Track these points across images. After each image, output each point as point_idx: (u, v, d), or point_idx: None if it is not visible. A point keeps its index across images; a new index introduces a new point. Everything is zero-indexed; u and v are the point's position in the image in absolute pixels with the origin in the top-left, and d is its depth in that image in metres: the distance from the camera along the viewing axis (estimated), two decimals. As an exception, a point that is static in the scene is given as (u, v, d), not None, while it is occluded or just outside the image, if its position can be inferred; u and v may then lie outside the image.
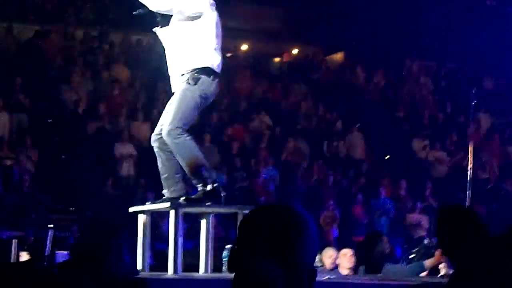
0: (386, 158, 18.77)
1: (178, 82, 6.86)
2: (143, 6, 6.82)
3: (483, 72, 21.44)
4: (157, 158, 7.00)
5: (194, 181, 6.88)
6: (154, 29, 7.02)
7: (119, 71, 17.80)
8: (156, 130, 6.99)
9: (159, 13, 6.90)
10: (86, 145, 15.82)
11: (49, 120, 16.32)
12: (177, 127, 6.75)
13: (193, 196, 6.96)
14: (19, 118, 15.95)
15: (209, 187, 6.80)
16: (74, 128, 16.06)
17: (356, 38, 21.40)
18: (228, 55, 19.96)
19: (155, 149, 6.98)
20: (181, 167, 6.86)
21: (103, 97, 17.07)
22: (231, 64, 19.62)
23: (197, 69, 6.79)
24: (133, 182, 15.65)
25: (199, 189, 6.89)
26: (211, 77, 6.84)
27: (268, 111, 18.39)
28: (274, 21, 21.62)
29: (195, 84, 6.78)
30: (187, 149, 6.80)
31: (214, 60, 6.87)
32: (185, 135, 6.79)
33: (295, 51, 21.84)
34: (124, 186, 15.57)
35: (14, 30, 18.00)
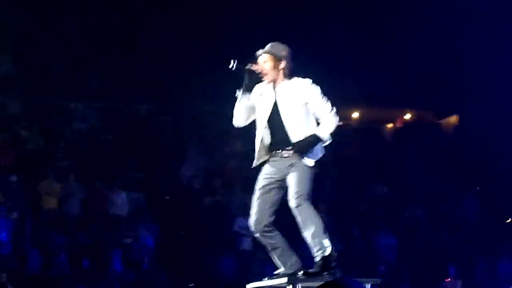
0: (507, 221, 18.27)
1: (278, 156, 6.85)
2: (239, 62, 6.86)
3: None
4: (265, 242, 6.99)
5: (315, 249, 6.79)
6: (238, 92, 6.95)
7: (233, 145, 17.99)
8: (257, 217, 6.94)
9: (249, 75, 6.88)
10: (203, 220, 15.94)
11: (166, 197, 16.56)
12: (306, 199, 6.75)
13: (310, 270, 6.86)
14: (137, 196, 16.21)
15: (327, 254, 6.73)
16: (191, 203, 16.22)
17: (469, 99, 21.04)
18: (339, 123, 19.93)
19: (258, 235, 6.96)
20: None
21: (219, 171, 17.24)
22: (344, 132, 19.63)
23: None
24: (251, 256, 15.63)
25: (316, 259, 6.79)
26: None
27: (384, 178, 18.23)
28: (383, 86, 21.52)
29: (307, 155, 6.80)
30: (314, 217, 6.77)
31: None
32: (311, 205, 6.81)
33: (407, 116, 21.65)
34: (242, 260, 15.56)
35: (130, 109, 18.48)
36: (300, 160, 6.79)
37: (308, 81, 6.94)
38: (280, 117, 6.85)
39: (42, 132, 17.07)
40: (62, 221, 14.91)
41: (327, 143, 6.89)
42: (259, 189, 6.94)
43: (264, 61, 6.92)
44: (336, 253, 6.82)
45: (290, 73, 6.95)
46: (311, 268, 6.84)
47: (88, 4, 19.59)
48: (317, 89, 6.90)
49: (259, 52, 6.96)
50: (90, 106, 18.26)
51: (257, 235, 6.97)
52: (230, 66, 6.86)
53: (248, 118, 7.05)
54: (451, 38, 20.56)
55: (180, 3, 19.82)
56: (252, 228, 6.97)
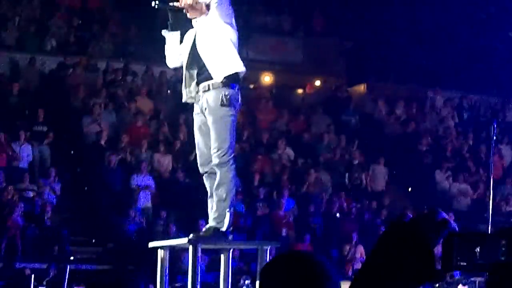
0: (408, 190, 18.67)
1: (204, 91, 6.76)
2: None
3: (505, 104, 21.34)
4: (207, 185, 6.91)
5: (215, 214, 6.79)
6: (164, 32, 6.87)
7: (142, 103, 17.85)
8: (201, 160, 6.89)
9: (173, 14, 6.80)
10: (107, 177, 15.85)
11: (71, 152, 16.39)
12: (229, 159, 6.71)
13: (201, 233, 6.88)
14: (42, 150, 16.02)
15: (223, 228, 6.72)
16: (96, 160, 16.10)
17: (378, 69, 21.39)
18: (251, 86, 19.99)
19: (204, 176, 6.91)
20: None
21: (126, 129, 17.12)
22: (254, 96, 19.69)
23: (228, 76, 6.70)
24: (153, 215, 15.63)
25: (210, 224, 6.80)
26: (237, 87, 6.82)
27: (290, 143, 18.38)
28: (297, 53, 21.65)
29: (229, 105, 6.75)
30: (230, 184, 6.77)
31: (241, 68, 6.85)
32: (234, 165, 6.77)
33: (317, 83, 21.84)
34: (145, 218, 15.54)
35: (37, 62, 18.12)
36: (218, 101, 6.67)
37: (209, 18, 6.76)
38: (198, 54, 6.74)
39: None
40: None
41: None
42: (195, 130, 6.88)
43: None
44: (229, 231, 6.79)
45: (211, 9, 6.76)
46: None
47: None
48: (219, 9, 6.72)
49: None
50: (1, 56, 17.86)
51: (204, 176, 6.88)
52: (153, 5, 6.78)
53: (180, 59, 6.95)
54: (365, 5, 20.83)
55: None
56: (200, 170, 6.90)
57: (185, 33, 6.93)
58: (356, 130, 19.83)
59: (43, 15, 19.41)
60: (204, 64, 6.73)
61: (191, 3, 6.75)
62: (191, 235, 6.79)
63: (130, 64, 18.83)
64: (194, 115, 6.91)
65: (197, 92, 6.80)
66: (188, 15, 6.82)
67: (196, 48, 6.78)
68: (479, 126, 20.04)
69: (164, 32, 6.90)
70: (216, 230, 6.72)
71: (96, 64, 18.66)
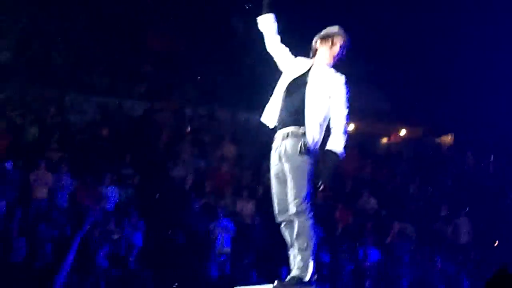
0: (495, 244, 18.25)
1: (283, 138, 6.75)
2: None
3: None
4: (285, 234, 6.85)
5: (298, 264, 6.71)
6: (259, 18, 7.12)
7: (226, 149, 17.99)
8: (278, 208, 6.85)
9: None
10: (191, 221, 15.95)
11: (156, 196, 16.57)
12: (306, 207, 6.65)
13: (285, 282, 6.80)
14: (127, 193, 16.24)
15: (307, 278, 6.65)
16: (180, 204, 16.23)
17: (466, 119, 21.13)
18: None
19: (283, 225, 6.84)
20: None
21: (210, 174, 17.25)
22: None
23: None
24: (234, 260, 15.63)
25: (293, 274, 6.72)
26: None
27: (374, 192, 18.23)
28: (382, 101, 21.55)
29: (307, 153, 6.71)
30: (310, 233, 6.70)
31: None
32: (312, 214, 6.72)
33: (403, 132, 21.67)
34: (227, 264, 15.55)
35: (124, 106, 18.48)
36: (296, 151, 6.65)
37: (343, 78, 6.84)
38: (304, 93, 6.74)
39: (38, 122, 17.09)
40: (50, 213, 14.90)
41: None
42: (272, 178, 6.86)
43: (321, 43, 6.91)
44: (313, 280, 6.73)
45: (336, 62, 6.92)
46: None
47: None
48: (346, 91, 6.79)
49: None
50: (87, 100, 18.27)
51: (281, 226, 6.85)
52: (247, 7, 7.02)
53: (277, 49, 7.07)
54: (450, 57, 20.66)
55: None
56: (277, 219, 6.88)
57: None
58: (443, 181, 19.54)
59: (133, 60, 19.83)
60: (303, 110, 6.73)
61: (322, 50, 6.88)
62: (275, 282, 6.74)
63: (216, 109, 19.05)
64: (271, 164, 6.88)
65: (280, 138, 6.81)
66: (323, 58, 6.88)
67: (304, 89, 6.78)
68: None
69: (259, 18, 7.13)
70: (299, 279, 6.66)
71: (183, 110, 18.92)
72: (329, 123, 6.76)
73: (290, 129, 6.74)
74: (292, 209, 6.63)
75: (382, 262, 16.47)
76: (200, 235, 15.83)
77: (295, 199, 6.62)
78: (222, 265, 15.38)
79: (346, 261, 16.20)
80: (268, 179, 15.88)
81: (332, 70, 6.85)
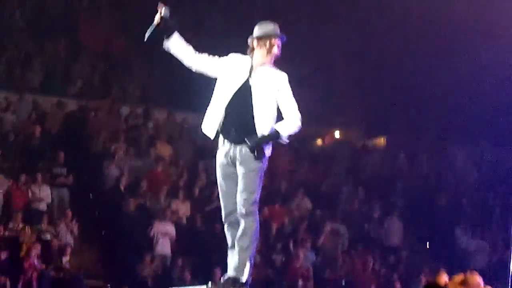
0: (426, 246, 18.53)
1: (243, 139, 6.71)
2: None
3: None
4: (228, 235, 6.89)
5: (235, 264, 6.74)
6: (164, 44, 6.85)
7: (162, 148, 17.91)
8: (226, 209, 6.89)
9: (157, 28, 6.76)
10: (125, 221, 15.86)
11: (90, 195, 16.43)
12: (255, 210, 6.70)
13: (220, 282, 6.82)
14: (61, 192, 16.07)
15: (243, 279, 6.67)
16: (115, 204, 16.12)
17: (398, 121, 21.39)
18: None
19: (226, 226, 6.89)
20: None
21: (145, 174, 17.15)
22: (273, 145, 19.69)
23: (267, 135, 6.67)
24: (170, 262, 15.60)
25: (229, 274, 6.75)
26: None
27: (308, 193, 18.35)
28: (316, 104, 21.71)
29: (260, 158, 6.72)
30: (254, 234, 6.75)
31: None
32: (258, 217, 6.77)
33: (336, 134, 21.85)
34: (161, 265, 15.51)
35: (60, 104, 18.25)
36: (252, 155, 6.66)
37: (286, 76, 6.82)
38: (251, 101, 6.70)
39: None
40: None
41: (282, 142, 6.76)
42: (221, 180, 6.85)
43: (255, 45, 6.81)
44: (248, 282, 6.78)
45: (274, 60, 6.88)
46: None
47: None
48: (289, 87, 6.79)
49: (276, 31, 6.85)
50: (21, 98, 18.00)
51: (225, 226, 6.87)
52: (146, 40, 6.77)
53: (203, 65, 6.86)
54: (385, 58, 20.93)
55: None
56: (223, 219, 6.88)
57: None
58: (375, 183, 19.77)
59: (68, 58, 19.61)
60: (253, 118, 6.69)
61: (278, 54, 6.84)
62: (209, 284, 6.76)
63: (152, 109, 18.93)
64: (219, 165, 6.87)
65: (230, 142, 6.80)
66: (260, 58, 6.81)
67: (250, 96, 6.73)
68: (499, 181, 19.90)
69: (165, 44, 6.83)
70: (235, 280, 6.69)
71: (118, 109, 18.77)
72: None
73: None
74: (241, 209, 6.68)
75: (315, 263, 16.60)
76: (135, 235, 15.74)
77: (245, 200, 6.67)
78: (157, 266, 15.34)
79: (279, 262, 16.28)
80: (203, 180, 15.82)
81: (273, 69, 6.85)
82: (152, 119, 18.69)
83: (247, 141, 6.63)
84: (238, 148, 6.73)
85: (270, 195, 17.87)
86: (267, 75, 6.81)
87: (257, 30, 6.85)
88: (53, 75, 19.12)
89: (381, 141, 22.09)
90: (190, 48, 6.87)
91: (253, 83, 6.78)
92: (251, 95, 6.73)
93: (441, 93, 20.97)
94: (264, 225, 16.38)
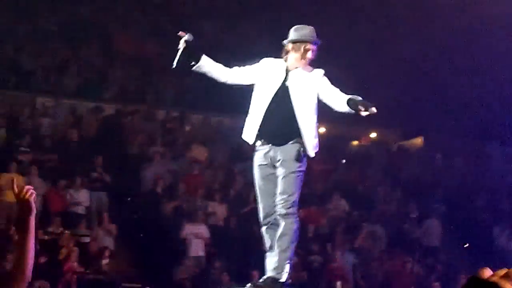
0: (465, 246, 18.36)
1: (285, 141, 6.77)
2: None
3: None
4: (266, 236, 6.88)
5: (275, 264, 6.74)
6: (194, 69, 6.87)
7: (198, 151, 17.97)
8: (266, 210, 6.89)
9: (184, 53, 6.82)
10: (163, 224, 15.92)
11: (128, 198, 16.52)
12: (294, 211, 6.73)
13: (259, 283, 6.82)
14: (99, 196, 16.18)
15: (282, 279, 6.68)
16: (152, 206, 16.20)
17: (435, 122, 21.24)
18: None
19: (265, 227, 6.88)
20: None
21: (182, 177, 17.21)
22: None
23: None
24: (206, 263, 15.62)
25: (268, 274, 6.75)
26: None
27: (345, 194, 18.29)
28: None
29: (302, 160, 6.74)
30: (293, 236, 6.74)
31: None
32: (298, 218, 6.79)
33: (373, 135, 21.77)
34: (197, 267, 15.52)
35: (97, 109, 18.41)
36: (293, 155, 6.70)
37: (322, 71, 6.91)
38: (291, 103, 6.75)
39: (8, 125, 17.00)
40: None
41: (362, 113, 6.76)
42: (259, 181, 6.88)
43: (288, 49, 6.88)
44: (288, 283, 6.77)
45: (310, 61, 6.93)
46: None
47: (70, 1, 19.67)
48: (327, 80, 6.89)
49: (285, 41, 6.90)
50: (57, 102, 18.18)
51: (264, 227, 6.89)
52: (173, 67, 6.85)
53: (239, 78, 6.91)
54: (418, 60, 20.80)
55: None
56: (262, 221, 6.90)
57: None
58: (412, 184, 19.66)
59: (103, 62, 19.77)
60: (296, 120, 6.73)
61: (310, 57, 6.86)
62: (249, 285, 6.77)
63: (188, 113, 19.02)
64: (258, 166, 6.88)
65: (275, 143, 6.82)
66: (295, 62, 6.86)
67: (289, 98, 6.78)
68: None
69: (195, 70, 6.87)
70: (275, 280, 6.70)
71: (155, 113, 18.89)
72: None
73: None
74: (281, 210, 6.69)
75: (353, 264, 16.53)
76: (172, 238, 15.80)
77: (285, 201, 6.69)
78: (194, 269, 15.37)
79: (317, 263, 16.24)
80: (240, 182, 15.88)
81: (309, 68, 6.88)
82: (188, 123, 18.78)
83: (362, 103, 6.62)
84: (279, 149, 6.75)
85: (306, 197, 17.87)
86: (303, 75, 6.85)
87: (293, 34, 6.88)
88: (90, 81, 19.28)
89: (418, 141, 21.97)
90: (220, 66, 6.91)
91: (290, 84, 6.82)
92: (290, 96, 6.77)
93: (478, 92, 20.80)
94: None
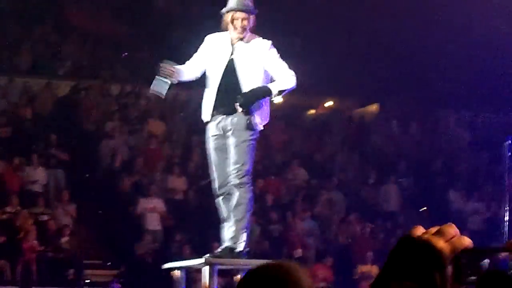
0: (422, 210, 18.61)
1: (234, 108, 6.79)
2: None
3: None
4: (222, 207, 6.91)
5: (231, 234, 6.79)
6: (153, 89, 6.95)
7: (155, 125, 17.91)
8: (219, 181, 6.90)
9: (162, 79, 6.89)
10: (122, 199, 15.89)
11: (86, 175, 16.43)
12: (248, 180, 6.75)
13: (217, 253, 6.88)
14: (56, 173, 16.07)
15: (240, 248, 6.73)
16: (111, 182, 16.14)
17: (390, 89, 21.40)
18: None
19: (221, 198, 6.90)
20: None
21: (140, 151, 17.15)
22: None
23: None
24: (166, 237, 15.63)
25: (226, 244, 6.80)
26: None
27: (303, 163, 18.38)
28: (307, 75, 21.64)
29: (252, 129, 6.74)
30: (248, 204, 6.76)
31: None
32: (251, 186, 6.79)
33: (329, 104, 21.87)
34: (155, 241, 15.53)
35: (51, 86, 18.22)
36: (243, 124, 6.72)
37: (269, 42, 6.90)
38: (237, 76, 6.80)
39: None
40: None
41: (274, 100, 6.82)
42: (212, 152, 6.90)
43: (235, 18, 6.85)
44: (245, 251, 6.81)
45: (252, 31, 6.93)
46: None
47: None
48: (275, 52, 6.87)
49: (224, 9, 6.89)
50: (12, 81, 17.97)
51: (219, 198, 6.91)
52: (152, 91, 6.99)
53: (199, 70, 6.97)
54: (376, 28, 20.88)
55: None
56: (216, 192, 6.92)
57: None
58: (369, 150, 19.83)
59: (56, 39, 19.56)
60: (241, 89, 6.76)
61: (246, 25, 6.84)
62: (207, 255, 6.82)
63: (143, 87, 18.90)
64: (209, 137, 6.92)
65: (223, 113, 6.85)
66: (233, 32, 6.85)
67: (235, 71, 6.82)
68: (492, 145, 19.98)
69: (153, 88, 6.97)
70: (232, 250, 6.75)
71: (110, 88, 18.75)
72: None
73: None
74: (234, 180, 6.72)
75: (313, 231, 16.67)
76: (131, 214, 15.78)
77: (238, 171, 6.71)
78: (154, 242, 15.39)
79: (277, 232, 16.35)
80: (198, 154, 15.87)
81: (256, 39, 6.87)
82: (143, 97, 18.68)
83: (239, 99, 6.63)
84: (229, 118, 6.77)
85: (266, 168, 17.94)
86: (247, 47, 6.85)
87: (230, 4, 6.92)
88: (42, 57, 19.08)
89: (374, 108, 22.12)
90: (185, 67, 6.97)
91: (235, 57, 6.86)
92: (235, 69, 6.81)
93: (434, 58, 20.96)
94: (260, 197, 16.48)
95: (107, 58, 19.76)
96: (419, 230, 1.67)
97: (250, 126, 6.73)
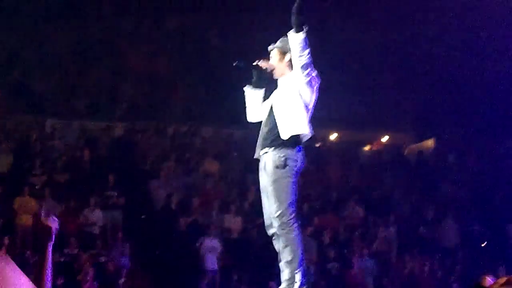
0: (483, 245, 18.25)
1: (265, 152, 6.76)
2: (244, 60, 6.85)
3: None
4: (276, 247, 6.82)
5: (285, 276, 6.69)
6: (247, 88, 6.97)
7: (210, 165, 17.95)
8: (267, 222, 6.84)
9: (257, 72, 6.90)
10: (179, 240, 15.88)
11: (142, 216, 16.49)
12: (289, 219, 6.64)
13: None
14: (113, 215, 16.14)
15: None
16: (167, 223, 16.16)
17: (446, 122, 21.17)
18: (317, 144, 19.95)
19: (273, 239, 6.82)
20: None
21: (196, 191, 17.17)
22: (321, 153, 19.63)
23: (292, 137, 6.68)
24: (223, 277, 15.56)
25: (281, 286, 6.70)
26: (296, 149, 6.73)
27: (360, 199, 18.21)
28: (363, 110, 21.54)
29: (283, 167, 6.70)
30: (295, 244, 6.68)
31: (306, 130, 6.79)
32: (296, 225, 6.70)
33: (384, 139, 21.71)
34: (213, 280, 15.47)
35: (108, 127, 18.42)
36: (272, 162, 6.64)
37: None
38: (273, 112, 6.77)
39: (20, 149, 17.02)
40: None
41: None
42: (261, 192, 6.86)
43: (272, 56, 6.90)
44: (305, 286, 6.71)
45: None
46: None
47: (77, 22, 19.73)
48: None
49: (270, 47, 6.94)
50: (67, 124, 18.21)
51: (273, 239, 6.82)
52: (234, 64, 6.85)
53: (260, 115, 6.98)
54: (429, 63, 20.74)
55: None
56: (267, 232, 6.85)
57: (271, 91, 6.99)
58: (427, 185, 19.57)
59: (113, 81, 19.82)
60: (276, 125, 6.75)
61: (275, 64, 6.85)
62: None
63: (198, 127, 19.02)
64: (259, 178, 6.89)
65: (262, 153, 6.83)
66: (274, 76, 6.91)
67: (271, 109, 6.81)
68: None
69: (247, 88, 6.98)
70: None
71: (165, 128, 18.88)
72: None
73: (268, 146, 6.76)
74: (276, 222, 6.63)
75: (371, 269, 16.45)
76: (188, 254, 15.75)
77: (277, 212, 6.62)
78: (212, 282, 15.33)
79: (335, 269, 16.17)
80: (253, 193, 15.80)
81: (290, 72, 6.86)
82: (198, 137, 18.78)
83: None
84: (265, 157, 6.74)
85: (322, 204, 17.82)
86: (284, 82, 6.86)
87: (278, 43, 6.97)
88: (99, 100, 19.32)
89: (430, 143, 21.90)
90: (259, 109, 6.99)
91: (274, 97, 6.88)
92: (273, 108, 6.81)
93: (492, 89, 20.69)
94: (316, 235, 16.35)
95: (163, 98, 19.93)
96: (487, 280, 1.62)
97: (281, 164, 6.66)
